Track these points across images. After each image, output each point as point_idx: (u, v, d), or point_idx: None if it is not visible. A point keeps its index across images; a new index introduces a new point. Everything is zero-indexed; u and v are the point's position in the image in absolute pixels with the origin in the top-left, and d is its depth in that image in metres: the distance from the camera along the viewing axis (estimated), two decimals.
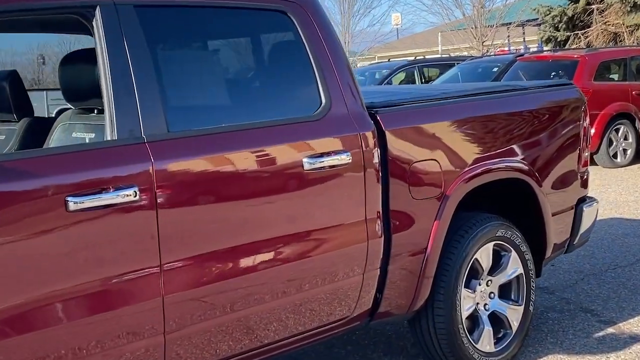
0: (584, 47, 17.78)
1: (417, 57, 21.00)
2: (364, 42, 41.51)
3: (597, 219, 7.55)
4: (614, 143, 10.95)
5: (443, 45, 33.95)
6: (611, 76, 11.67)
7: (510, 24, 28.79)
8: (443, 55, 24.13)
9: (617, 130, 10.98)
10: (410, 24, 62.81)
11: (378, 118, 3.41)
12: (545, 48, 20.64)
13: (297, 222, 3.06)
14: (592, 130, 10.66)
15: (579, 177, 4.44)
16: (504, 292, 4.01)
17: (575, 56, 11.34)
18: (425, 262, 3.56)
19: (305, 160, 3.07)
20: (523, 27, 28.48)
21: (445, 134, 3.65)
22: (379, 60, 26.28)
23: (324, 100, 3.23)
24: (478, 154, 3.78)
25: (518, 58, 12.82)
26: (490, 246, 3.87)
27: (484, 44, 29.93)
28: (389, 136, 3.40)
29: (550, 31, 21.24)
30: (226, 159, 2.86)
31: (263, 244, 2.96)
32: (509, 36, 28.53)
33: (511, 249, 3.97)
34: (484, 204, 4.12)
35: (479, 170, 3.75)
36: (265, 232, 2.96)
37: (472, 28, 30.00)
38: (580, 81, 10.73)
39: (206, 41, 3.25)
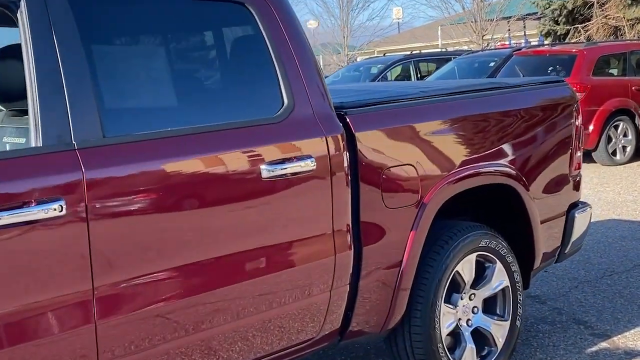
0: (584, 40, 17.44)
1: (414, 52, 20.64)
2: (363, 36, 41.18)
3: (594, 220, 7.28)
4: (613, 140, 10.63)
5: (443, 39, 33.71)
6: (610, 71, 11.34)
7: (510, 17, 28.47)
8: (439, 50, 23.81)
9: (616, 127, 10.66)
10: (409, 17, 62.26)
11: (348, 120, 3.11)
12: (545, 42, 20.33)
13: (253, 237, 2.77)
14: (591, 127, 10.37)
15: (570, 180, 4.14)
16: (489, 306, 3.72)
17: (574, 50, 11.02)
18: (401, 277, 3.27)
19: (263, 167, 2.77)
20: (524, 21, 28.18)
21: (423, 137, 3.35)
22: (376, 55, 25.94)
23: (286, 101, 2.94)
24: (459, 157, 3.48)
25: (515, 52, 12.50)
26: (472, 257, 3.58)
27: (483, 38, 29.65)
28: (359, 139, 3.10)
29: (550, 25, 20.91)
30: (171, 167, 2.56)
31: (214, 261, 2.66)
32: (509, 30, 28.23)
33: (496, 259, 3.68)
34: (466, 211, 3.84)
35: (460, 176, 3.46)
36: (216, 248, 2.66)
37: (471, 22, 29.66)
38: (579, 76, 10.44)
39: (151, 35, 2.94)
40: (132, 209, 2.45)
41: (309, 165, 2.90)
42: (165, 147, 2.55)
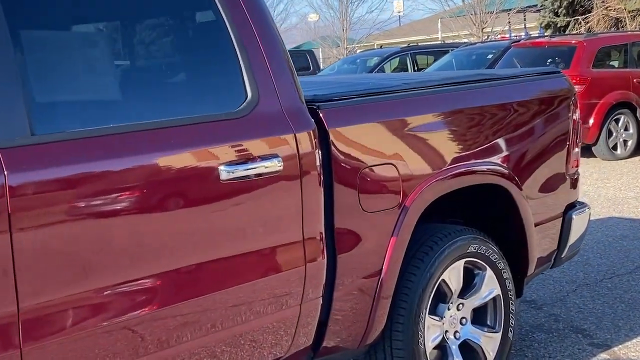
0: (584, 32, 17.11)
1: (411, 44, 20.32)
2: (362, 29, 40.88)
3: (594, 218, 6.99)
4: (614, 134, 10.32)
5: (443, 32, 33.47)
6: (611, 63, 11.02)
7: (510, 10, 28.17)
8: (437, 42, 23.51)
9: (617, 121, 10.35)
10: (409, 10, 61.77)
11: (320, 115, 2.81)
12: (546, 34, 20.02)
13: (209, 248, 2.46)
14: (591, 121, 10.07)
15: (567, 179, 3.84)
16: (479, 317, 3.43)
17: (573, 42, 10.71)
18: (380, 287, 2.97)
19: (222, 168, 2.47)
20: (524, 13, 27.89)
21: (405, 133, 3.05)
22: (374, 48, 25.61)
23: (249, 94, 2.63)
24: (445, 155, 3.18)
25: (513, 44, 12.19)
26: (460, 264, 3.28)
27: (483, 30, 29.39)
28: (333, 136, 2.81)
29: (549, 17, 20.61)
30: (113, 170, 2.25)
31: (163, 276, 2.36)
32: (509, 22, 27.94)
33: (486, 266, 3.38)
34: (453, 213, 3.55)
35: (446, 175, 3.16)
36: (164, 261, 2.36)
37: (471, 14, 29.35)
38: (578, 68, 10.15)
39: (90, 18, 2.61)
40: (64, 218, 2.15)
41: (275, 165, 2.60)
42: (106, 147, 2.25)
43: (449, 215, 3.63)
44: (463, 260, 3.29)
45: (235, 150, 2.54)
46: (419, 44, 21.32)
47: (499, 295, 3.44)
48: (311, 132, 2.73)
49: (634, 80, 10.50)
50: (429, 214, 3.20)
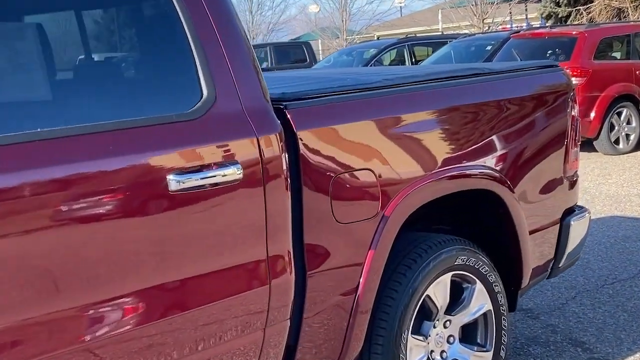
0: (586, 23, 16.77)
1: (409, 35, 19.96)
2: (362, 20, 40.55)
3: (595, 217, 6.68)
4: (616, 128, 9.99)
5: (444, 23, 33.16)
6: (613, 54, 10.69)
7: (511, 0, 27.83)
8: (435, 33, 23.19)
9: (619, 114, 10.03)
10: (410, 0, 61.17)
11: (288, 115, 2.51)
12: (547, 24, 19.69)
13: (154, 270, 2.17)
14: (592, 114, 9.76)
15: (565, 182, 3.54)
16: (468, 334, 3.14)
17: (574, 32, 10.38)
18: (356, 307, 2.68)
19: (171, 177, 2.17)
20: (525, 4, 27.54)
21: (385, 135, 2.75)
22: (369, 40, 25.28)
23: (205, 92, 2.33)
24: (430, 159, 2.89)
25: (512, 35, 11.85)
26: (447, 278, 2.99)
27: (484, 21, 29.09)
28: (302, 139, 2.51)
29: (550, 7, 20.27)
30: (40, 180, 1.95)
31: (104, 304, 2.06)
32: (510, 13, 27.61)
33: (475, 279, 3.09)
34: (441, 219, 3.26)
35: (430, 181, 2.86)
36: (103, 287, 2.06)
37: (472, 5, 29.00)
38: (579, 60, 9.83)
39: (18, 8, 2.30)
40: None
41: (234, 173, 2.31)
42: (35, 155, 1.95)
43: (436, 222, 3.35)
44: (450, 274, 3.00)
45: (187, 157, 2.24)
46: (417, 35, 20.95)
47: (490, 310, 3.15)
48: (277, 134, 2.43)
49: (637, 72, 10.17)
50: (413, 222, 2.92)
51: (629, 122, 10.11)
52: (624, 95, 10.01)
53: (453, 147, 2.98)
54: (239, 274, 2.36)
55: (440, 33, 23.39)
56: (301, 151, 2.50)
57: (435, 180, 2.87)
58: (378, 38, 21.10)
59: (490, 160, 3.12)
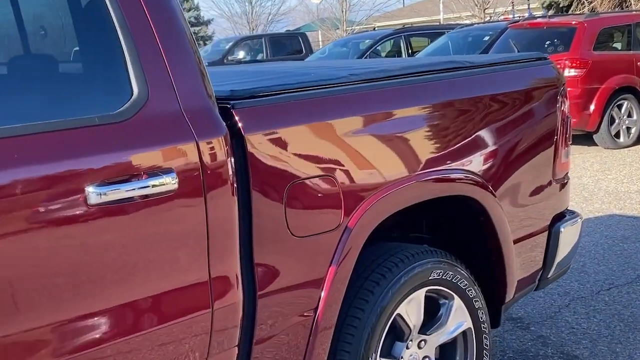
0: (587, 12, 16.42)
1: (406, 26, 19.61)
2: (362, 10, 40.20)
3: (593, 215, 6.39)
4: (616, 121, 9.67)
5: (445, 13, 32.88)
6: (614, 45, 10.36)
7: None
8: (433, 24, 22.87)
9: (619, 107, 9.70)
10: None
11: (236, 117, 2.22)
12: (549, 13, 19.35)
13: (73, 298, 1.88)
14: (592, 107, 9.45)
15: (555, 185, 3.25)
16: (446, 355, 2.86)
17: (573, 22, 10.05)
18: (315, 329, 2.40)
19: (90, 190, 1.88)
20: None
21: (348, 137, 2.45)
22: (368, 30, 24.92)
23: (136, 90, 2.04)
24: (400, 163, 2.59)
25: (510, 25, 11.53)
26: (420, 294, 2.71)
27: (485, 11, 28.78)
28: (252, 144, 2.21)
29: None
30: None
31: (5, 339, 1.78)
32: (512, 3, 27.27)
33: (453, 295, 2.80)
34: (417, 228, 2.97)
35: (401, 187, 2.57)
36: (9, 320, 1.78)
37: None
38: (579, 50, 9.52)
39: None
40: None
41: (168, 183, 2.02)
42: None
43: (415, 230, 3.07)
44: (424, 289, 2.71)
45: (111, 165, 1.95)
46: (413, 25, 20.59)
47: (469, 328, 2.87)
48: (221, 138, 2.14)
49: (638, 63, 9.85)
50: (388, 230, 2.65)
51: (629, 115, 9.79)
52: (625, 87, 9.69)
53: (428, 149, 2.69)
54: (176, 298, 2.07)
55: (437, 24, 23.02)
56: (250, 156, 2.21)
57: (406, 186, 2.58)
58: (374, 29, 20.70)
59: (469, 163, 2.82)
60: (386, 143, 2.56)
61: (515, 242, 3.01)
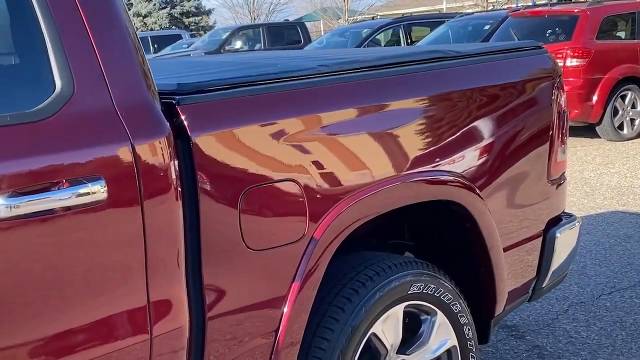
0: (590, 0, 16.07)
1: (405, 15, 19.27)
2: None
3: (595, 212, 6.10)
4: (620, 112, 9.36)
5: (447, 3, 32.62)
6: (617, 34, 10.04)
7: None
8: (432, 12, 22.55)
9: (623, 98, 9.39)
10: None
11: (181, 115, 1.93)
12: (553, 1, 18.99)
13: None
14: (595, 98, 9.14)
15: (550, 186, 2.96)
16: None
17: (575, 10, 9.73)
18: (276, 354, 2.12)
19: (0, 202, 1.61)
20: None
21: (314, 137, 2.17)
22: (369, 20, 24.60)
23: (59, 84, 1.76)
24: (375, 165, 2.31)
25: (510, 14, 11.22)
26: (398, 310, 2.43)
27: (488, 0, 28.55)
28: (200, 145, 1.93)
29: None
30: None
31: None
32: None
33: (436, 310, 2.53)
34: (399, 235, 2.69)
35: (375, 192, 2.29)
36: None
37: None
38: (581, 40, 9.21)
39: None
40: None
41: (95, 192, 1.74)
42: None
43: (396, 237, 2.79)
44: (402, 305, 2.44)
45: (25, 172, 1.67)
46: (412, 14, 20.26)
47: (454, 346, 2.60)
48: (163, 139, 1.86)
49: None
50: (361, 236, 2.37)
51: (633, 106, 9.48)
52: (629, 78, 9.37)
53: (406, 149, 2.40)
54: (106, 325, 1.79)
55: (437, 12, 22.69)
56: (198, 160, 1.93)
57: (380, 190, 2.30)
58: (373, 18, 20.38)
59: (454, 164, 2.54)
60: (357, 142, 2.27)
61: (506, 249, 2.73)
